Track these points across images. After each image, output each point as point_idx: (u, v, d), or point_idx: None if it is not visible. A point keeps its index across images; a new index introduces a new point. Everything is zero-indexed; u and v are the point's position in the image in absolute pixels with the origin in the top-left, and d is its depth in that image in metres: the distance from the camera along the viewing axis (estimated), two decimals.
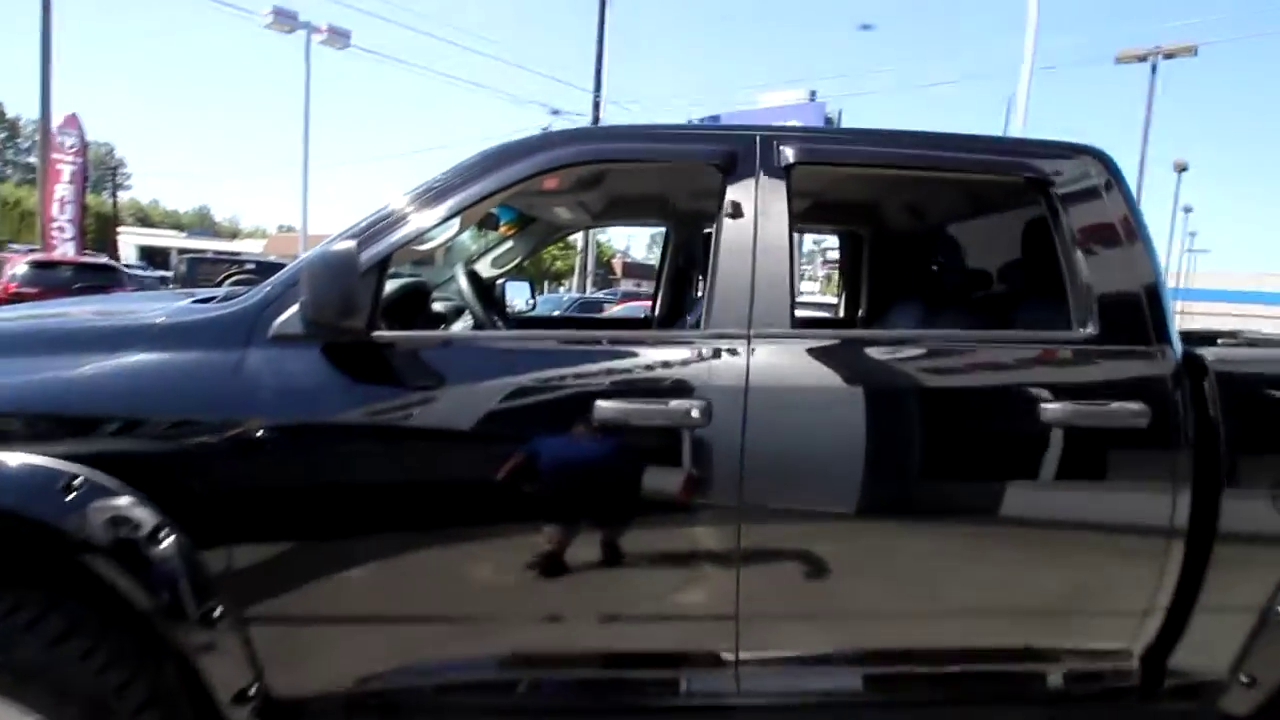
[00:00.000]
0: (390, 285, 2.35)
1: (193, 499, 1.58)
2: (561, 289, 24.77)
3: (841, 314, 3.77)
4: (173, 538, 1.54)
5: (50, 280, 11.86)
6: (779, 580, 1.75)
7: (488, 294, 2.60)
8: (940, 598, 1.80)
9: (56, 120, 16.83)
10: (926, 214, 3.01)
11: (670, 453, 1.69)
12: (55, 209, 16.99)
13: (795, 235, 1.91)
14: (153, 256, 44.11)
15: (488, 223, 3.08)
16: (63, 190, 17.05)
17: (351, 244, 1.61)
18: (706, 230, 3.57)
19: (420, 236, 1.80)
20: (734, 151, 1.86)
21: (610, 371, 1.73)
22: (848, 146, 1.98)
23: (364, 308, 1.63)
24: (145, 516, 1.53)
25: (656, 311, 3.70)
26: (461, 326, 2.45)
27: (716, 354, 1.74)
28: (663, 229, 3.83)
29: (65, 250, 16.28)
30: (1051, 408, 1.74)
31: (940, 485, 1.79)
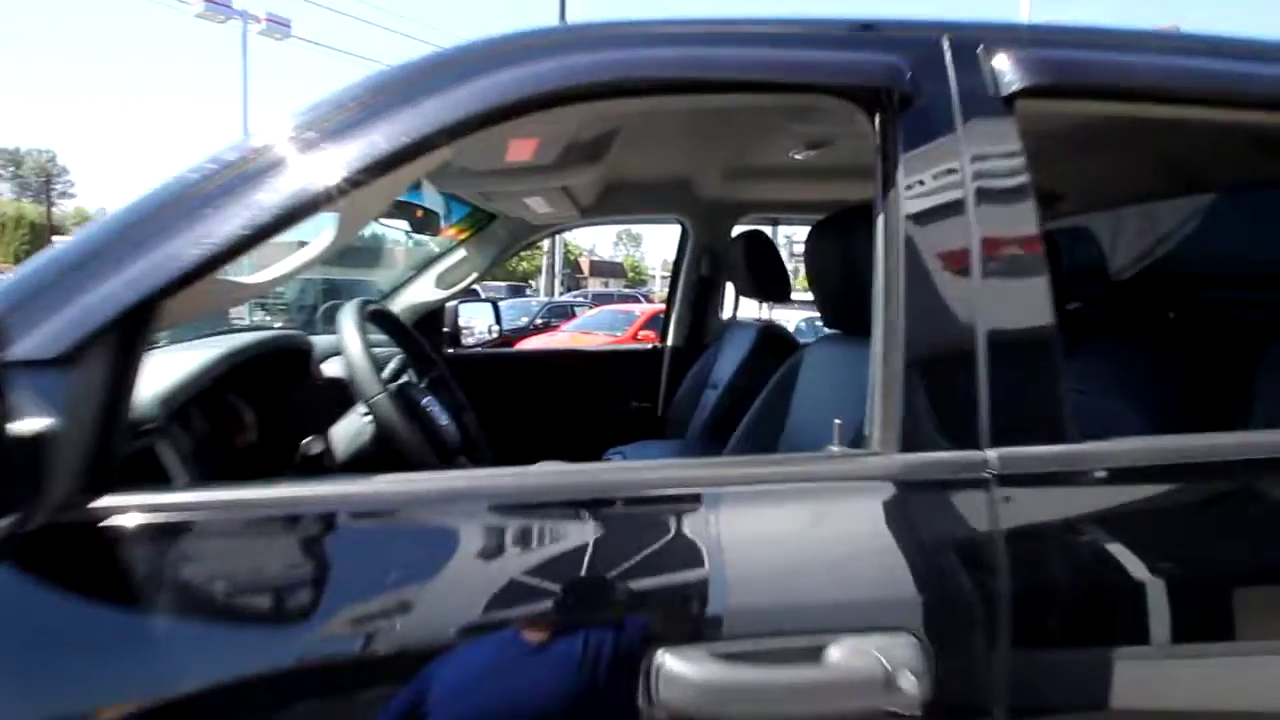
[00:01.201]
0: (224, 345, 1.34)
1: None
2: (529, 291, 23.54)
3: None
4: None
5: None
6: None
7: (416, 348, 1.56)
8: None
9: None
10: (1100, 191, 2.04)
11: None
12: None
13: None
14: None
15: (422, 224, 2.00)
16: None
17: None
18: (740, 228, 2.61)
19: (237, 252, 0.76)
20: (906, 69, 0.88)
21: (688, 574, 0.74)
22: (1123, 57, 0.98)
23: None
24: None
25: (670, 339, 2.69)
26: (362, 418, 1.33)
27: (919, 514, 0.77)
28: (653, 224, 2.81)
29: None
30: None
31: None
